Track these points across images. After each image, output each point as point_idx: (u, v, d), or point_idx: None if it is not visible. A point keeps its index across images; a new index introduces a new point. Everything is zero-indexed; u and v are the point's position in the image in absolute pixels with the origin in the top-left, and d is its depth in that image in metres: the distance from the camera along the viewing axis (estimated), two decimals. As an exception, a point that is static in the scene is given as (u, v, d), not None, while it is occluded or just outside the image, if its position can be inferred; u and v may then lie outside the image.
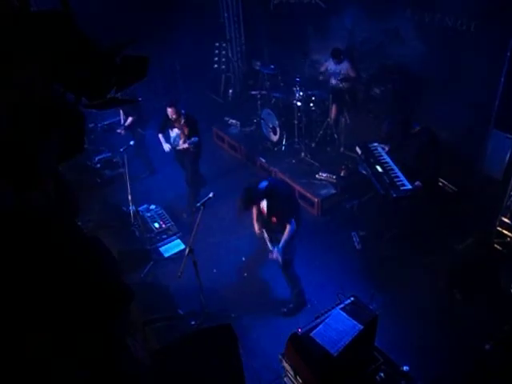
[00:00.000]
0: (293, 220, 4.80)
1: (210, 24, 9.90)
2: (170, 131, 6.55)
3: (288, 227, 4.79)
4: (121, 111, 7.69)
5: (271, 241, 5.08)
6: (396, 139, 5.73)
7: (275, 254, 4.93)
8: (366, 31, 7.35)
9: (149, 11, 8.79)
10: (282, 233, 4.83)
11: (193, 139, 6.44)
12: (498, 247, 5.58)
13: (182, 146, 6.50)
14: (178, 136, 6.50)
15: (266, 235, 5.11)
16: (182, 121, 6.37)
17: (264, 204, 4.89)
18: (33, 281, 1.01)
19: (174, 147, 6.62)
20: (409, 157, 5.59)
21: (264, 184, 4.77)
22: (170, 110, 6.30)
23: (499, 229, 5.61)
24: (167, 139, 6.61)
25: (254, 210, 5.13)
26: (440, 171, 5.67)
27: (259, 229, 5.17)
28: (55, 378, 1.41)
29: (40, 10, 1.71)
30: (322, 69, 7.95)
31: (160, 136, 6.62)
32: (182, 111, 6.41)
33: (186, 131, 6.42)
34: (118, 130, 7.69)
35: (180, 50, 9.70)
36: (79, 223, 6.30)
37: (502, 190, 5.56)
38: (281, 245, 4.87)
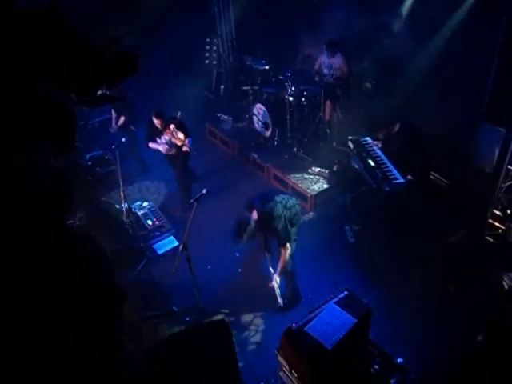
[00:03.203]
0: (288, 244, 4.73)
1: (200, 19, 9.83)
2: (158, 139, 6.46)
3: (283, 252, 4.74)
4: (112, 110, 7.63)
5: (271, 259, 5.08)
6: (384, 137, 5.83)
7: (273, 282, 4.94)
8: (358, 25, 7.36)
9: (138, 6, 8.70)
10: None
11: (189, 141, 6.40)
12: (490, 239, 5.64)
13: (186, 149, 6.39)
14: (170, 141, 6.41)
15: (267, 256, 5.11)
16: (173, 127, 6.29)
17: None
18: (23, 281, 1.00)
19: (170, 149, 6.55)
20: (397, 152, 5.65)
21: (254, 214, 4.54)
22: (156, 122, 6.25)
23: (490, 221, 5.67)
24: (158, 143, 6.50)
25: None
26: (429, 164, 5.72)
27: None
28: (52, 379, 1.40)
29: (28, 6, 1.68)
30: (316, 66, 7.92)
31: (150, 144, 6.51)
32: (171, 119, 6.32)
33: (182, 136, 6.36)
34: (111, 130, 7.64)
35: (171, 46, 9.64)
36: (71, 221, 6.29)
37: (493, 182, 5.61)
38: (277, 273, 4.87)
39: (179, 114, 6.27)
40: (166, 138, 6.37)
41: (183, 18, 9.12)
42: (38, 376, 1.37)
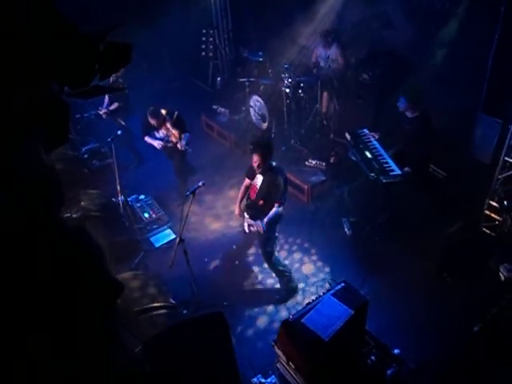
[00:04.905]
0: (279, 205, 4.77)
1: (196, 11, 9.75)
2: (155, 133, 6.42)
3: (275, 207, 4.76)
4: (106, 96, 7.54)
5: (252, 218, 4.97)
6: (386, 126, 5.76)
7: (256, 227, 4.82)
8: (355, 15, 7.30)
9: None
10: (266, 214, 4.79)
11: (186, 139, 6.34)
12: (487, 230, 5.65)
13: (180, 147, 6.35)
14: (166, 136, 6.36)
15: (246, 215, 5.04)
16: (169, 124, 6.24)
17: (258, 181, 4.85)
18: (21, 276, 0.98)
19: (165, 145, 6.49)
20: (401, 142, 5.60)
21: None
22: (152, 121, 6.17)
23: (487, 212, 5.68)
24: (155, 138, 6.46)
25: (242, 188, 5.12)
26: (431, 158, 5.70)
27: (239, 212, 5.16)
28: (53, 377, 1.39)
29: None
30: (313, 59, 7.86)
31: (146, 138, 6.47)
32: (167, 116, 6.25)
33: (177, 134, 6.30)
34: (101, 112, 7.49)
35: (167, 37, 9.56)
36: (67, 215, 6.26)
37: (490, 174, 5.61)
38: (265, 220, 4.78)
39: (176, 114, 6.24)
40: (163, 132, 6.33)
41: (180, 9, 9.05)
42: (36, 373, 1.36)
